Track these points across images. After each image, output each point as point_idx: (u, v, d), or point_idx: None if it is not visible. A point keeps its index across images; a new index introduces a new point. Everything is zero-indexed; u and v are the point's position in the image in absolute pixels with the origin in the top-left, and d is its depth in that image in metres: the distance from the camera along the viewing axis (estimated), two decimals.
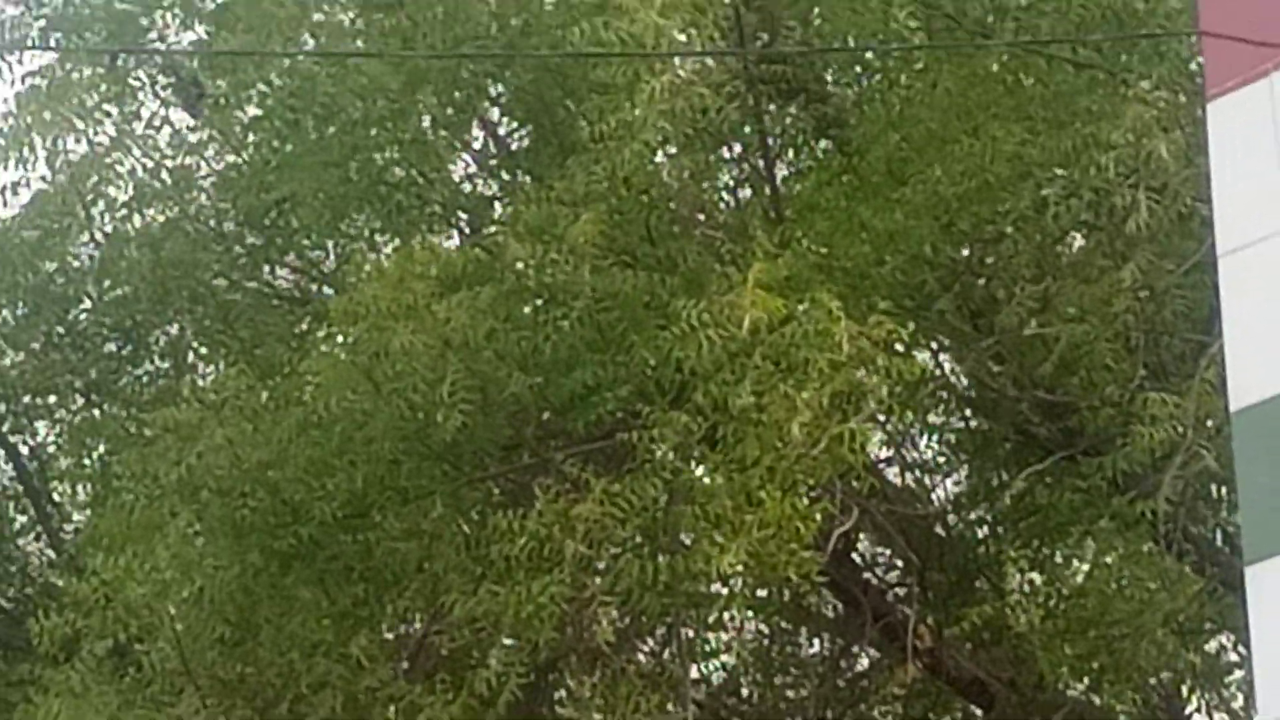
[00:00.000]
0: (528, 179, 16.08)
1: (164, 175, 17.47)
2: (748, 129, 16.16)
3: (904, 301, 14.80)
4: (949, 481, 17.53)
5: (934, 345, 16.41)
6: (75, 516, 18.65)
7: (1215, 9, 10.06)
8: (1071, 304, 14.85)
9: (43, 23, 17.39)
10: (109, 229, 17.46)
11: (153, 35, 17.37)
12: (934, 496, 17.44)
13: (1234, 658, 16.30)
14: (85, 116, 16.83)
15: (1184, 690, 17.08)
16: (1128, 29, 14.45)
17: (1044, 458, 15.71)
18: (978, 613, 15.87)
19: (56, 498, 19.16)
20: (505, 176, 16.88)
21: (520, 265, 14.66)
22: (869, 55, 15.91)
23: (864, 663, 17.75)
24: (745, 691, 17.81)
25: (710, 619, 16.40)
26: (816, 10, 15.58)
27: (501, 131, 16.98)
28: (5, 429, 18.79)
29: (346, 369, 14.63)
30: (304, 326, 16.74)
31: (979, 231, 15.38)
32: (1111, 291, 14.51)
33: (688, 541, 14.35)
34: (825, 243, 14.49)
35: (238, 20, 16.56)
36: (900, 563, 17.05)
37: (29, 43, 17.42)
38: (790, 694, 17.88)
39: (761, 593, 15.88)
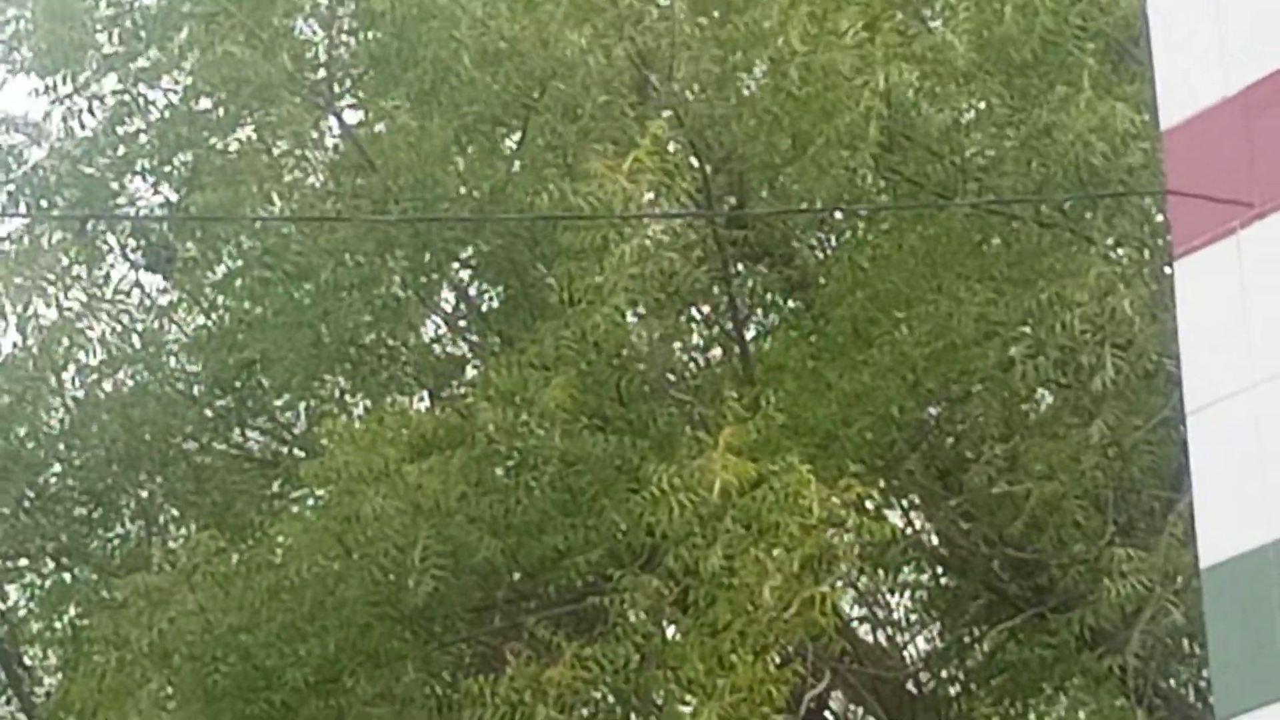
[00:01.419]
0: (498, 341, 16.04)
1: (134, 339, 17.68)
2: (716, 290, 16.22)
3: (873, 461, 14.83)
4: (921, 639, 17.27)
5: (904, 504, 16.29)
6: (46, 680, 18.49)
7: (1181, 167, 9.73)
8: (1040, 461, 14.81)
9: (11, 187, 17.20)
10: (79, 393, 17.46)
11: (122, 199, 17.19)
12: (906, 654, 17.05)
13: None
14: (55, 281, 16.71)
15: None
16: (1089, 186, 14.17)
17: (1015, 614, 15.59)
18: None
19: (28, 661, 19.03)
20: (475, 338, 16.86)
21: (491, 429, 14.73)
22: (835, 217, 15.59)
23: None
24: None
25: None
26: (783, 174, 15.21)
27: (472, 293, 16.93)
28: None
29: (318, 533, 14.71)
30: (275, 488, 16.58)
31: (946, 391, 15.57)
32: (1080, 449, 14.53)
33: (660, 705, 14.47)
34: (794, 404, 14.44)
35: (208, 183, 16.26)
36: (873, 719, 16.58)
37: None
38: None
39: None
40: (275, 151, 16.72)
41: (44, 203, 17.58)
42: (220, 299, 17.02)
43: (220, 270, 17.26)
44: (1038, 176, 15.04)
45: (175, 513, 17.67)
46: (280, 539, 15.14)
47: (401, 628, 14.65)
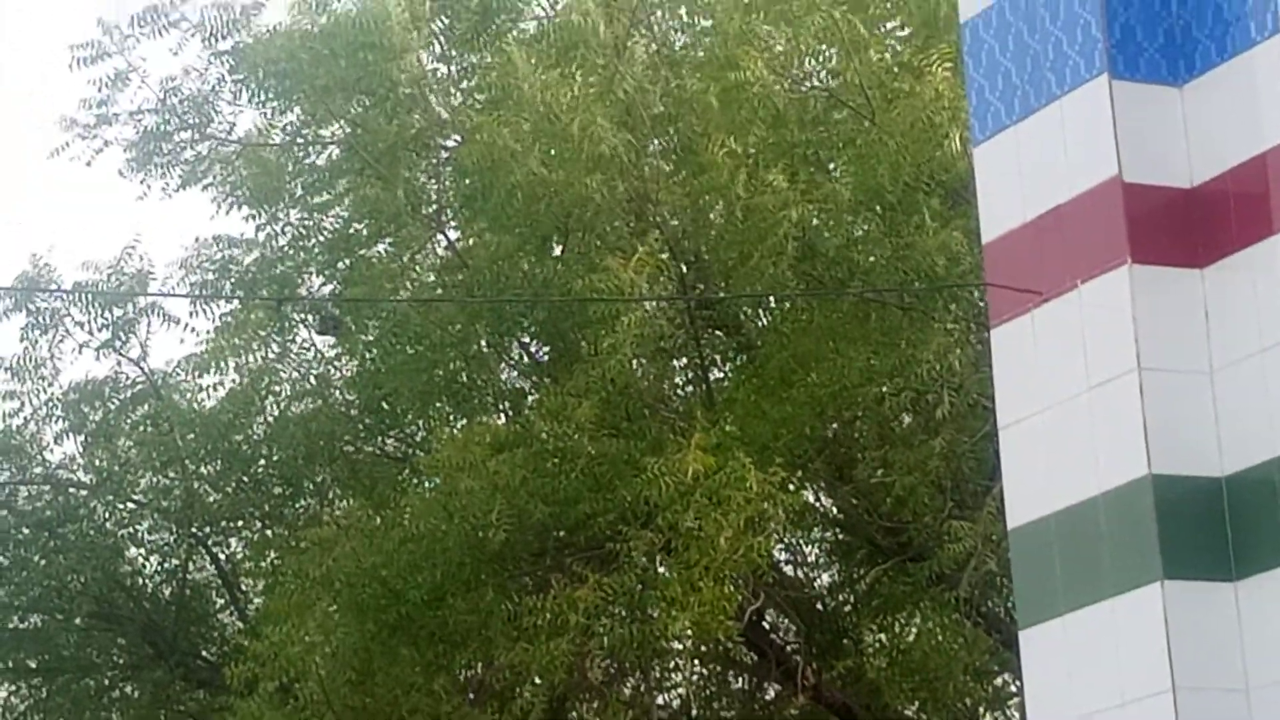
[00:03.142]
0: (548, 379, 15.97)
1: (311, 378, 17.62)
2: (690, 348, 16.02)
3: (792, 460, 14.69)
4: (825, 575, 17.21)
5: (814, 488, 16.18)
6: (254, 600, 18.15)
7: (995, 269, 9.88)
8: (901, 462, 14.71)
9: (231, 280, 17.21)
10: (275, 413, 17.33)
11: (303, 288, 17.18)
12: (816, 584, 17.08)
13: (1013, 689, 16.00)
14: (260, 340, 16.87)
15: (980, 710, 16.61)
16: (936, 281, 14.16)
17: (886, 561, 15.56)
18: (845, 662, 15.69)
19: (243, 587, 18.81)
20: (534, 378, 16.63)
21: (544, 436, 14.67)
22: (768, 301, 15.67)
23: (770, 694, 17.13)
24: (694, 714, 17.03)
25: (669, 666, 16.29)
26: (734, 273, 15.37)
27: (531, 348, 16.73)
28: (210, 542, 18.32)
29: (430, 503, 14.68)
30: (403, 476, 16.53)
31: (841, 415, 15.39)
32: (928, 455, 14.46)
33: (654, 615, 14.30)
34: (740, 422, 14.47)
35: (362, 274, 16.43)
36: (794, 627, 16.69)
37: (223, 294, 17.13)
38: (723, 715, 17.23)
39: (702, 648, 15.71)
40: (403, 259, 16.69)
41: (252, 290, 17.29)
42: (368, 353, 16.59)
43: (369, 335, 16.65)
44: (900, 277, 14.63)
45: (338, 491, 17.43)
46: (406, 508, 15.08)
47: (484, 564, 14.63)
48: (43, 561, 17.59)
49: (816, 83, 15.57)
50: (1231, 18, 9.17)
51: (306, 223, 17.06)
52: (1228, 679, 8.65)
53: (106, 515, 17.96)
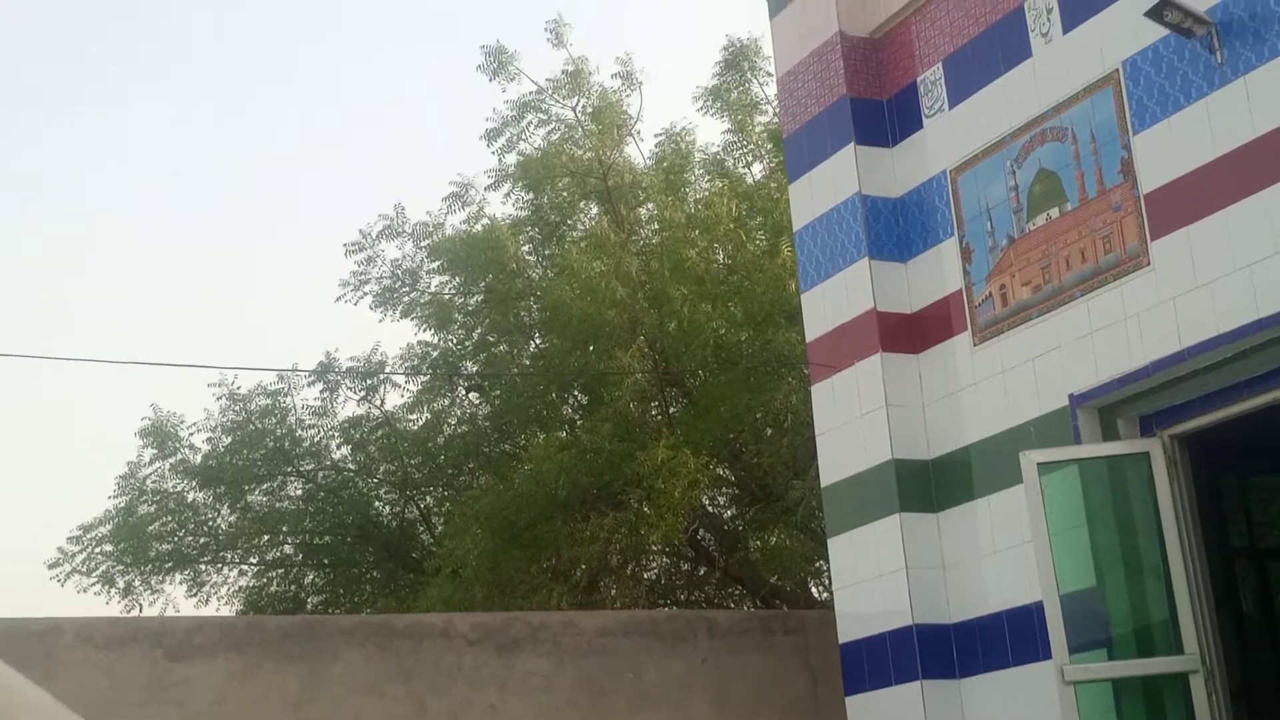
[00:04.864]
0: (587, 413, 17.07)
1: (466, 414, 19.01)
2: (659, 395, 16.75)
3: (711, 452, 16.02)
4: (727, 511, 17.80)
5: (722, 466, 16.92)
6: (439, 526, 18.84)
7: (813, 353, 10.56)
8: (767, 451, 15.99)
9: (427, 364, 18.32)
10: (448, 431, 19.11)
11: (463, 368, 18.47)
12: (724, 515, 17.60)
13: (825, 568, 15.19)
14: (440, 395, 18.65)
15: (808, 580, 16.55)
16: (783, 360, 15.26)
17: (759, 502, 16.42)
18: (738, 555, 16.24)
19: (433, 520, 19.43)
20: (580, 412, 17.69)
21: (585, 441, 15.69)
22: (700, 370, 16.14)
23: (701, 572, 17.48)
24: (663, 583, 17.44)
25: (650, 559, 17.12)
26: (682, 356, 16.01)
27: (579, 397, 17.74)
28: (415, 497, 19.37)
29: (528, 476, 15.82)
30: (514, 463, 17.24)
31: (736, 429, 16.38)
32: (780, 447, 15.66)
33: (642, 532, 15.11)
34: (685, 434, 15.51)
35: (492, 360, 17.66)
36: (712, 538, 17.32)
37: (422, 371, 18.28)
38: (676, 583, 17.52)
39: (666, 549, 16.77)
40: (513, 352, 18.12)
41: (436, 369, 18.35)
42: (496, 400, 18.15)
43: (496, 391, 17.63)
44: (766, 357, 15.25)
45: (480, 471, 18.34)
46: (515, 479, 15.94)
47: (555, 507, 15.55)
48: (330, 509, 19.07)
49: (723, 258, 17.36)
50: (929, 228, 10.13)
51: (465, 335, 18.77)
52: (933, 561, 9.74)
53: (363, 485, 19.51)
